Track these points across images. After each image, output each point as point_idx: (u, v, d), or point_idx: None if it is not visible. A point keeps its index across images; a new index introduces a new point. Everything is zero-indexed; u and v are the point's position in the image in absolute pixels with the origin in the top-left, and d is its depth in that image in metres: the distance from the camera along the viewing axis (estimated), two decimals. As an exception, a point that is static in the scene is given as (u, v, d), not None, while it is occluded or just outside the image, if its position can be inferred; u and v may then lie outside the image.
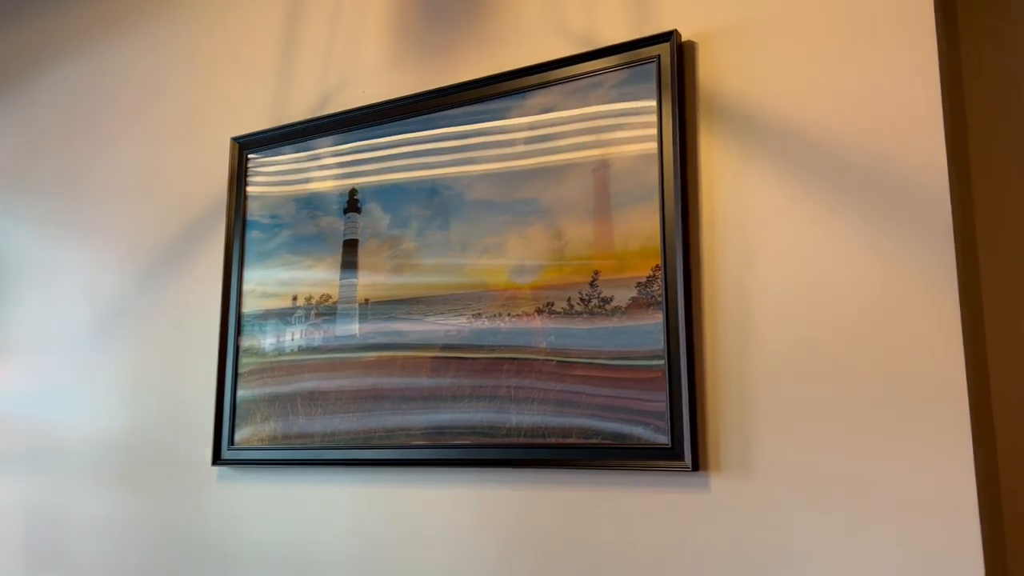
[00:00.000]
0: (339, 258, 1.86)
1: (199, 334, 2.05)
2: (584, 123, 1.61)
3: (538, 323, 1.59)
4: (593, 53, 1.62)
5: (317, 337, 1.85)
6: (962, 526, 1.22)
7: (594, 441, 1.50)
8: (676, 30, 1.53)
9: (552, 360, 1.56)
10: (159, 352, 2.11)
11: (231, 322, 1.97)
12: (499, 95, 1.71)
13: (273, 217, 1.98)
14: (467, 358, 1.65)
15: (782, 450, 1.36)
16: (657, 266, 1.49)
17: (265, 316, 1.94)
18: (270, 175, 2.00)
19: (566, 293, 1.57)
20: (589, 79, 1.62)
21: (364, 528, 1.74)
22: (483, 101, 1.73)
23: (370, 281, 1.81)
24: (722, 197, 1.47)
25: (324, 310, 1.86)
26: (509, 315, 1.62)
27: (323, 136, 1.94)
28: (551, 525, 1.53)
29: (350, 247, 1.85)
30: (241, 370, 1.94)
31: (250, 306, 1.97)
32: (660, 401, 1.45)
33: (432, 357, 1.69)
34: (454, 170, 1.74)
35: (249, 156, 2.04)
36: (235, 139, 2.06)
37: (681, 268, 1.45)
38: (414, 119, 1.81)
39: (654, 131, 1.53)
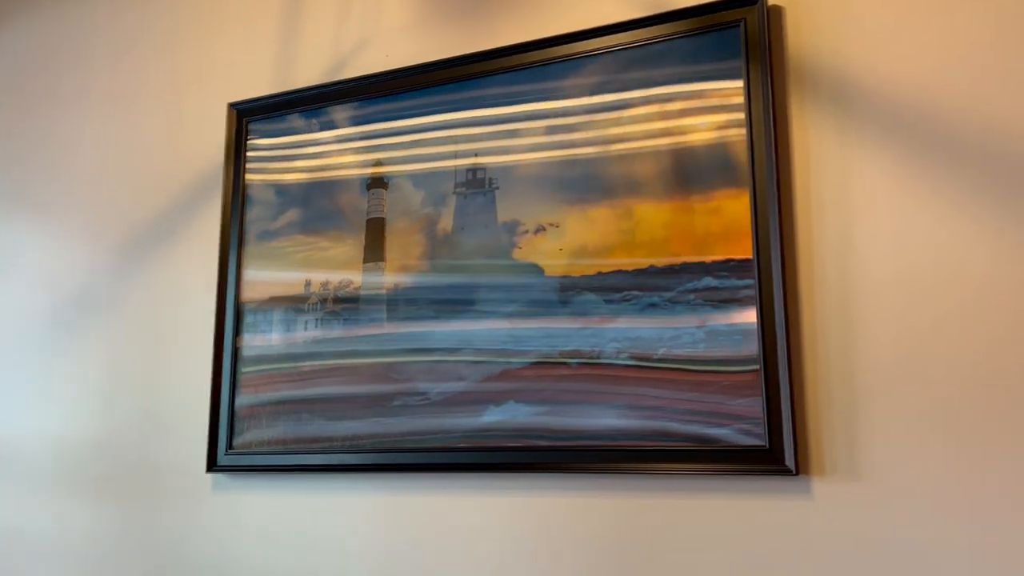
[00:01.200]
0: (362, 239, 1.66)
1: (188, 326, 1.81)
2: (653, 90, 1.46)
3: (604, 311, 1.43)
4: (662, 16, 1.47)
5: (336, 328, 1.64)
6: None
7: (674, 445, 1.34)
8: (763, -8, 1.40)
9: (622, 361, 1.40)
10: (138, 348, 1.85)
11: (228, 312, 1.74)
12: (551, 60, 1.55)
13: (280, 194, 1.75)
14: (518, 351, 1.48)
15: (893, 451, 1.23)
16: (747, 257, 1.35)
17: (270, 305, 1.71)
18: (275, 146, 1.78)
19: (638, 280, 1.42)
20: (659, 45, 1.47)
21: (389, 542, 1.54)
22: (532, 67, 1.56)
23: (401, 265, 1.61)
24: (818, 179, 1.34)
25: (344, 297, 1.65)
26: (569, 304, 1.46)
27: (339, 103, 1.73)
28: (623, 533, 1.37)
29: (375, 226, 1.65)
30: (242, 368, 1.71)
31: (251, 293, 1.74)
32: (750, 402, 1.30)
33: (476, 351, 1.51)
34: (499, 143, 1.57)
35: (250, 125, 1.81)
36: (233, 105, 1.82)
37: (778, 257, 1.31)
38: (450, 87, 1.63)
39: (738, 102, 1.39)
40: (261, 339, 1.70)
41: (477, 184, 1.58)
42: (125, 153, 1.97)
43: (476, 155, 1.58)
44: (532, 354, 1.46)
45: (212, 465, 1.69)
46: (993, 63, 1.26)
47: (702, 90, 1.42)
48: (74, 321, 1.93)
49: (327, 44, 1.80)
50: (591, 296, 1.44)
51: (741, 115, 1.39)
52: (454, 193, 1.59)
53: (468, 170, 1.59)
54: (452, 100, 1.62)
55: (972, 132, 1.26)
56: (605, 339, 1.42)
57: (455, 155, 1.60)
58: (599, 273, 1.45)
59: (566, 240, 1.48)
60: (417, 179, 1.63)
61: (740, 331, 1.33)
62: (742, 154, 1.37)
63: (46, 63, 2.14)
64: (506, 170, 1.55)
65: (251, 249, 1.76)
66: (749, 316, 1.33)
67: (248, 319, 1.73)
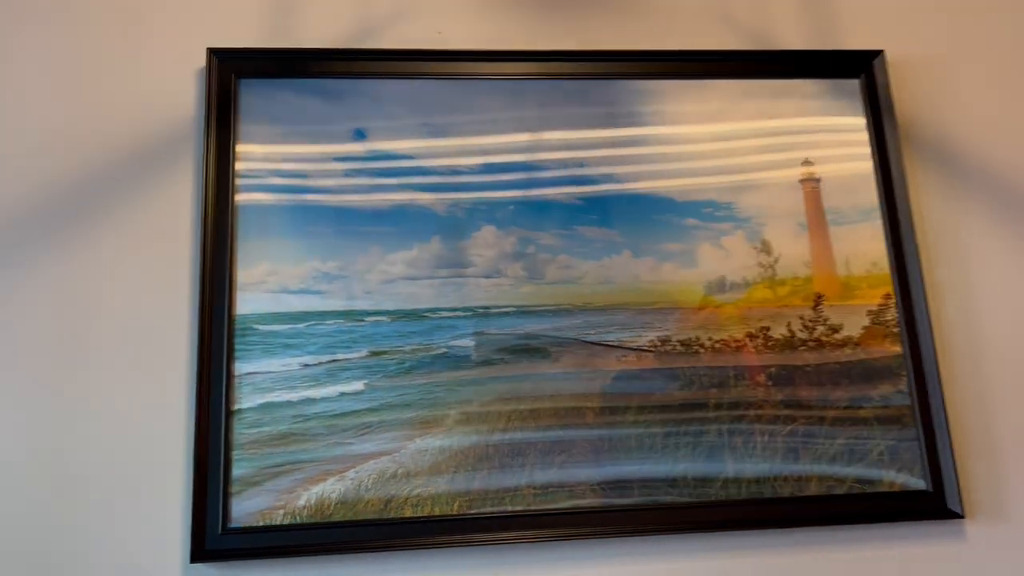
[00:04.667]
0: (431, 246, 1.31)
1: (135, 348, 1.24)
2: (779, 119, 1.42)
3: (752, 353, 1.31)
4: (781, 55, 1.45)
5: (408, 357, 1.26)
6: None
7: (838, 493, 1.27)
8: (883, 50, 1.45)
9: (775, 398, 1.30)
10: (50, 385, 1.21)
11: (221, 329, 1.23)
12: (664, 74, 1.42)
13: (298, 176, 1.31)
14: (655, 394, 1.28)
15: None
16: (888, 294, 1.35)
17: (284, 323, 1.26)
18: (281, 111, 1.34)
19: (784, 317, 1.34)
20: (778, 82, 1.44)
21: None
22: (641, 77, 1.42)
23: (491, 283, 1.31)
24: (933, 229, 1.42)
25: (409, 328, 1.27)
26: (710, 340, 1.31)
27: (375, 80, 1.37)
28: (782, 599, 1.25)
29: (452, 232, 1.32)
30: (241, 405, 1.21)
31: (251, 306, 1.26)
32: (910, 445, 1.30)
33: (602, 394, 1.27)
34: (605, 152, 1.38)
35: (242, 84, 1.34)
36: (216, 53, 1.34)
37: (923, 299, 1.34)
38: (532, 91, 1.39)
39: (864, 150, 1.42)
40: (272, 370, 1.23)
41: (584, 195, 1.36)
42: (52, 96, 1.31)
43: (582, 164, 1.37)
44: (673, 397, 1.28)
45: (200, 550, 1.16)
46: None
47: (829, 137, 1.42)
48: None
49: (347, 3, 1.43)
50: (735, 331, 1.32)
51: (868, 165, 1.41)
52: (555, 204, 1.35)
53: (579, 194, 1.36)
54: (563, 114, 1.39)
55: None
56: (754, 381, 1.30)
57: (559, 165, 1.37)
58: (743, 308, 1.33)
59: (701, 270, 1.34)
60: (507, 196, 1.35)
61: (892, 380, 1.32)
62: (871, 198, 1.39)
63: None
64: (618, 183, 1.36)
65: (249, 246, 1.28)
66: (898, 349, 1.33)
67: (249, 341, 1.24)
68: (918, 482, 1.28)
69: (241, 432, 1.20)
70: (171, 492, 1.19)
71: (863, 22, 1.51)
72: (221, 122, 1.31)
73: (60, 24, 1.36)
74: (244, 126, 1.32)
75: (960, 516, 1.26)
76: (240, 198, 1.29)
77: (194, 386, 1.21)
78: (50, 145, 1.30)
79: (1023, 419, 1.35)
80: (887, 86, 1.44)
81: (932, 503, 1.28)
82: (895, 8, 1.52)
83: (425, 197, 1.32)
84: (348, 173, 1.32)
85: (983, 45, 1.52)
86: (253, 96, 1.34)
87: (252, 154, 1.31)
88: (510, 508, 1.21)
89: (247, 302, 1.25)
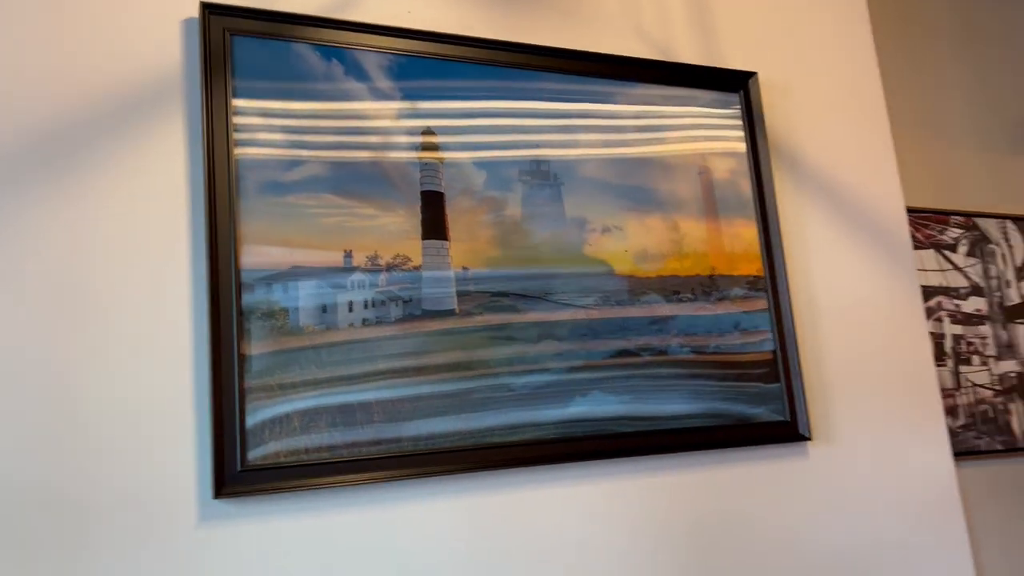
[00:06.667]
0: (416, 211, 1.45)
1: (139, 301, 1.25)
2: (685, 120, 1.73)
3: (667, 311, 1.61)
4: (683, 67, 1.75)
5: (394, 312, 1.39)
6: (938, 467, 1.84)
7: (725, 423, 1.62)
8: (756, 72, 1.81)
9: (684, 355, 1.61)
10: (44, 332, 1.18)
11: (226, 279, 1.28)
12: (603, 76, 1.66)
13: (295, 133, 1.38)
14: (599, 342, 1.54)
15: (849, 422, 1.76)
16: (759, 268, 1.72)
17: (292, 276, 1.33)
18: (280, 79, 1.39)
19: (689, 283, 1.65)
20: (682, 88, 1.74)
21: (478, 545, 1.39)
22: (587, 77, 1.65)
23: (469, 247, 1.47)
24: (789, 220, 1.81)
25: (402, 276, 1.41)
26: (640, 302, 1.59)
27: (368, 51, 1.47)
28: (688, 504, 1.57)
29: (433, 200, 1.46)
30: (252, 350, 1.28)
31: (257, 258, 1.32)
32: (775, 387, 1.68)
33: (559, 342, 1.50)
34: (559, 136, 1.60)
35: (236, 43, 1.37)
36: (207, 5, 1.36)
37: (783, 273, 1.73)
38: (504, 71, 1.58)
39: (742, 149, 1.77)
40: (279, 319, 1.31)
41: (542, 175, 1.57)
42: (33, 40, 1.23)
43: (538, 147, 1.57)
44: (612, 346, 1.54)
45: (221, 486, 1.22)
46: (870, 157, 1.93)
47: (718, 136, 1.75)
48: None
49: (324, -28, 1.50)
50: (655, 296, 1.61)
51: (745, 165, 1.77)
52: (519, 180, 1.55)
53: (532, 160, 1.57)
54: (510, 87, 1.57)
55: (861, 203, 1.90)
56: (669, 334, 1.60)
57: (516, 144, 1.56)
58: (659, 276, 1.63)
59: (629, 243, 1.61)
60: (477, 159, 1.52)
61: (762, 332, 1.69)
62: (747, 193, 1.75)
63: None
64: (567, 168, 1.59)
65: (251, 204, 1.33)
66: (765, 321, 1.70)
67: (258, 293, 1.31)
68: (779, 416, 1.67)
69: (251, 377, 1.28)
70: (178, 439, 1.24)
71: (744, 46, 1.86)
72: (208, 68, 1.34)
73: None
74: (238, 80, 1.37)
75: (808, 439, 1.67)
76: (239, 151, 1.34)
77: (207, 329, 1.26)
78: (36, 85, 1.25)
79: (844, 367, 1.79)
80: (759, 103, 1.80)
81: (789, 430, 1.67)
82: (768, 37, 1.90)
83: (402, 155, 1.46)
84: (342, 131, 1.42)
85: (827, 73, 1.94)
86: (246, 51, 1.38)
87: (246, 108, 1.36)
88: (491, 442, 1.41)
89: (249, 255, 1.32)
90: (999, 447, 2.28)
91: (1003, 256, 2.47)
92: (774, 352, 1.69)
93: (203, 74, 1.33)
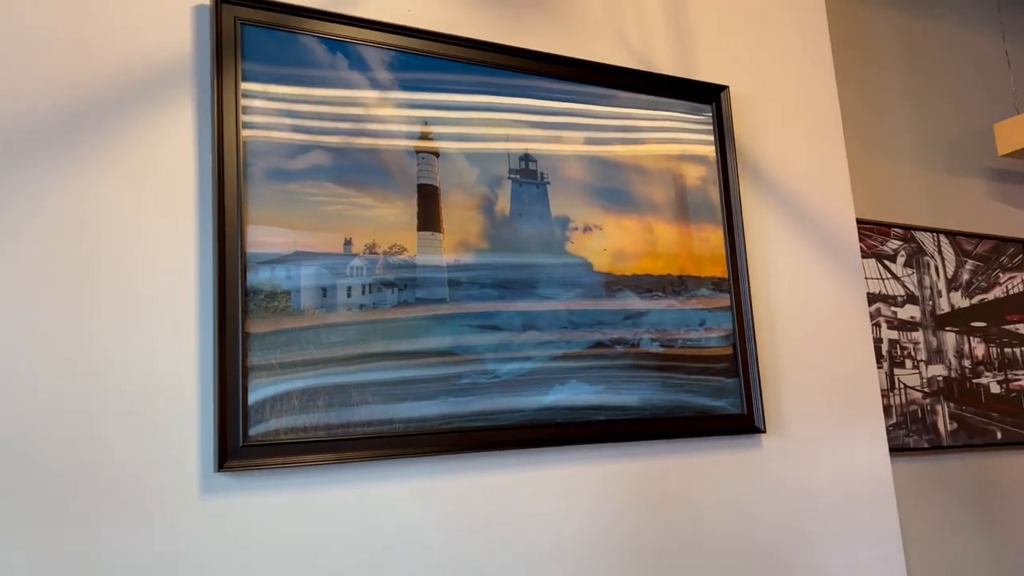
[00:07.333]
0: (413, 204, 1.51)
1: (143, 279, 1.29)
2: (662, 124, 1.83)
3: (640, 306, 1.71)
4: (661, 77, 1.85)
5: (389, 298, 1.45)
6: (875, 461, 1.99)
7: (688, 415, 1.73)
8: (728, 86, 1.93)
9: (654, 348, 1.71)
10: (51, 308, 1.21)
11: (231, 262, 1.33)
12: (588, 81, 1.75)
13: (300, 118, 1.43)
14: (577, 334, 1.63)
15: (799, 416, 1.90)
16: (724, 270, 1.84)
17: (295, 260, 1.39)
18: (287, 67, 1.44)
19: (661, 282, 1.75)
20: (660, 97, 1.85)
21: (463, 524, 1.46)
22: (575, 81, 1.74)
23: (460, 240, 1.54)
24: (752, 225, 1.93)
25: (398, 265, 1.47)
26: (615, 297, 1.69)
27: (370, 47, 1.53)
28: (650, 487, 1.68)
29: (428, 193, 1.53)
30: (252, 328, 1.33)
31: (260, 240, 1.37)
32: (734, 382, 1.80)
33: (541, 332, 1.59)
34: (547, 132, 1.68)
35: (247, 31, 1.41)
36: (222, -7, 1.40)
37: (746, 278, 1.85)
38: (498, 72, 1.65)
39: (712, 157, 1.88)
40: (282, 301, 1.36)
41: (530, 174, 1.65)
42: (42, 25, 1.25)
43: (526, 141, 1.65)
44: (589, 338, 1.64)
45: (224, 459, 1.27)
46: (822, 174, 2.07)
47: (690, 147, 1.86)
48: None
49: (329, -33, 1.55)
50: (630, 292, 1.71)
51: (715, 173, 1.88)
52: (509, 178, 1.62)
53: (521, 157, 1.64)
54: (501, 84, 1.65)
55: (814, 214, 2.04)
56: (641, 328, 1.71)
57: (507, 138, 1.64)
58: (634, 274, 1.73)
59: (607, 242, 1.71)
60: (470, 154, 1.59)
61: (724, 329, 1.81)
62: (715, 199, 1.86)
63: None
64: (553, 168, 1.68)
65: (257, 189, 1.38)
66: (728, 319, 1.82)
67: (262, 274, 1.36)
68: (736, 409, 1.79)
69: (255, 352, 1.33)
70: (183, 414, 1.28)
71: (717, 60, 1.98)
72: (218, 54, 1.38)
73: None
74: (247, 64, 1.41)
75: (763, 431, 1.80)
76: (246, 134, 1.39)
77: (214, 307, 1.31)
78: (40, 62, 1.28)
79: (796, 365, 1.93)
80: (730, 115, 1.92)
81: (745, 422, 1.79)
82: (739, 52, 2.01)
83: (400, 144, 1.52)
84: (350, 118, 1.48)
85: (790, 90, 2.07)
86: (255, 39, 1.42)
87: (255, 92, 1.41)
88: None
89: (255, 237, 1.37)
90: (926, 445, 2.47)
91: (936, 268, 2.65)
92: (734, 346, 1.81)
93: (213, 56, 1.37)
